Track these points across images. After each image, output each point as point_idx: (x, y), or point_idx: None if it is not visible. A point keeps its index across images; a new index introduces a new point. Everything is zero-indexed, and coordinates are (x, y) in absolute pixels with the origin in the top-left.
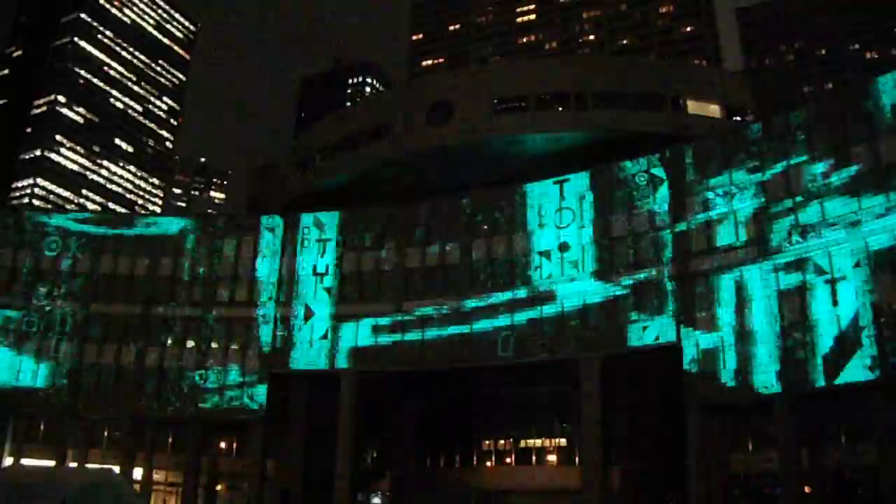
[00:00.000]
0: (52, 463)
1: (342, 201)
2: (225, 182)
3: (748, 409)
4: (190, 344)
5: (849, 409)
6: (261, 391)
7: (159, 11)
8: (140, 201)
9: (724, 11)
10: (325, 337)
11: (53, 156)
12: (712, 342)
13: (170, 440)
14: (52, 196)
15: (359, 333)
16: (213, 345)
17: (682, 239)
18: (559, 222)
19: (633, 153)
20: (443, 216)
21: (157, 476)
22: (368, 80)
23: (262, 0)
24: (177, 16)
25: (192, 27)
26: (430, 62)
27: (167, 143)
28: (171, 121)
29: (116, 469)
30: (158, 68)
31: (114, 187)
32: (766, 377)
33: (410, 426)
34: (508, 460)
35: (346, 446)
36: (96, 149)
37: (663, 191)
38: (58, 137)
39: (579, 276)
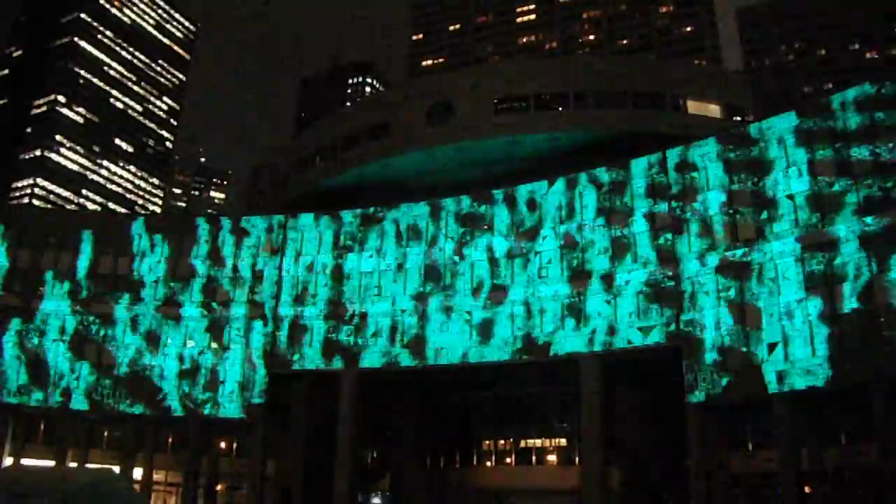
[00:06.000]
0: (52, 463)
1: (342, 201)
2: (225, 182)
3: (748, 409)
4: (190, 343)
5: (848, 409)
6: (261, 391)
7: (159, 11)
8: (140, 201)
9: (724, 11)
10: (325, 336)
11: (53, 156)
12: (712, 342)
13: (170, 440)
14: (52, 196)
15: (358, 332)
16: (213, 344)
17: (682, 238)
18: (558, 223)
19: (632, 153)
20: (445, 215)
21: (157, 476)
22: (368, 80)
23: (262, 0)
24: (177, 16)
25: (192, 27)
26: (430, 62)
27: (167, 143)
28: (171, 121)
29: (116, 469)
30: (158, 68)
31: (114, 187)
32: (767, 377)
33: (410, 426)
34: (508, 460)
35: (346, 446)
36: (96, 149)
37: (662, 190)
38: (58, 137)
39: (581, 275)
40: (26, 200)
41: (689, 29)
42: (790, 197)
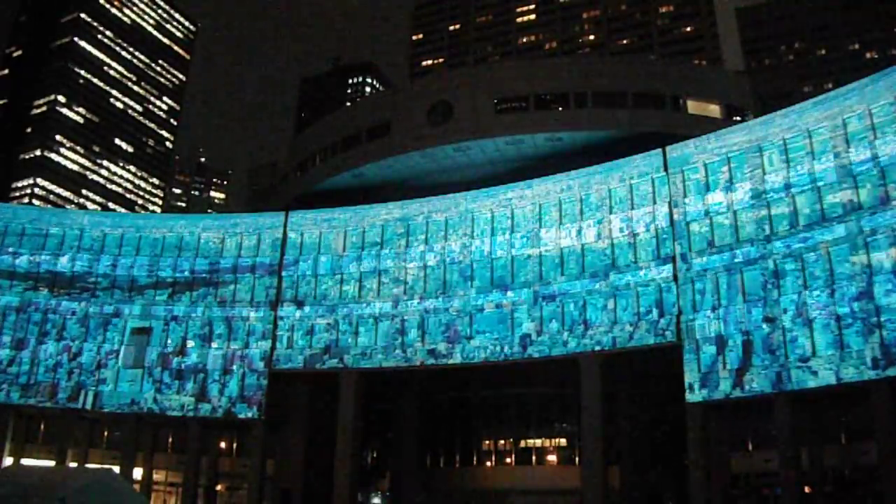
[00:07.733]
0: (52, 463)
1: (342, 201)
2: (225, 182)
3: (748, 409)
4: (190, 343)
5: (849, 409)
6: (261, 391)
7: (159, 11)
8: (140, 201)
9: (724, 11)
10: (326, 336)
11: (53, 156)
12: (713, 341)
13: (170, 440)
14: (52, 196)
15: (358, 332)
16: (213, 344)
17: (682, 237)
18: (559, 222)
19: (632, 153)
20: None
21: (157, 476)
22: (368, 80)
23: (262, 0)
24: (177, 16)
25: (192, 27)
26: (430, 62)
27: (167, 143)
28: (171, 121)
29: (116, 469)
30: (158, 68)
31: (114, 187)
32: (767, 377)
33: (410, 426)
34: (508, 460)
35: (346, 446)
36: (96, 149)
37: (662, 189)
38: (58, 137)
39: (580, 275)
40: (26, 201)
41: (689, 29)
42: (791, 194)
